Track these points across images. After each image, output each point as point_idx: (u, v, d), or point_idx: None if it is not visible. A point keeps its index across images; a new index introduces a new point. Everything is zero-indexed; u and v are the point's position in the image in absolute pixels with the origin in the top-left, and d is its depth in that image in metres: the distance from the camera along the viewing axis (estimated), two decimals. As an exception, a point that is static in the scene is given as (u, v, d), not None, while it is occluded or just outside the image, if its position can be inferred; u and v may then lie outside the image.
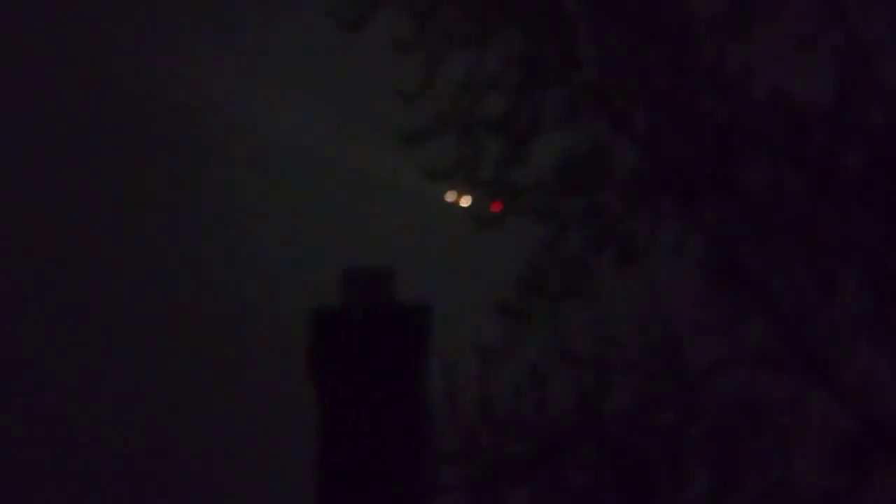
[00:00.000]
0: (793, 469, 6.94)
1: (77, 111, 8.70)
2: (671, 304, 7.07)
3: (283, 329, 7.57)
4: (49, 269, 8.48)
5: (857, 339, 7.03)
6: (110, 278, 8.40)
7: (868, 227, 7.01)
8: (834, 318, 7.08)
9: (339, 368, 3.97)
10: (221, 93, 8.44)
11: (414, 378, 3.96)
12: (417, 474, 3.74)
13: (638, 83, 7.11)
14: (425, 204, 7.36)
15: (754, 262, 7.16)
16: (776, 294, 7.13)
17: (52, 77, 8.61)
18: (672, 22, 7.11)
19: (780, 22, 7.05)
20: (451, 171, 7.08)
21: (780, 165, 7.13)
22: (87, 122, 8.67)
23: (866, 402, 6.99)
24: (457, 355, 6.62)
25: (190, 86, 8.38)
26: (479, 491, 6.98)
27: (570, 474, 7.02)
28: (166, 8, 8.41)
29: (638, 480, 6.96)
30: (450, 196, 7.13)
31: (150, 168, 8.71)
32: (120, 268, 8.51)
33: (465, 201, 7.07)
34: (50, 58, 8.58)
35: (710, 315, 7.13)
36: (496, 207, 7.00)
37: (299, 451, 4.08)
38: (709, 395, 7.08)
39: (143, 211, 8.60)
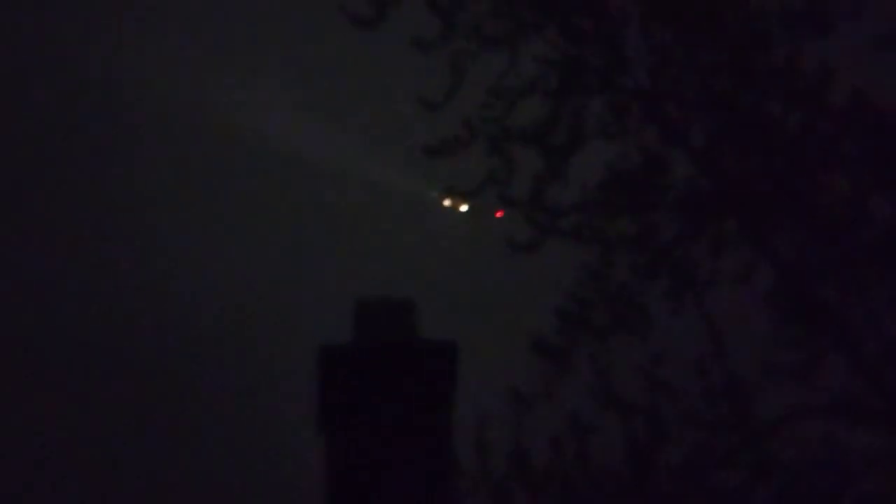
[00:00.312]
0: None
1: (90, 131, 8.98)
2: (736, 343, 7.04)
3: (285, 371, 7.58)
4: (51, 299, 8.72)
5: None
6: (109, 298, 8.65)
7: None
8: (926, 359, 6.99)
9: (351, 415, 3.98)
10: (228, 100, 8.64)
11: (437, 426, 3.95)
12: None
13: (696, 87, 7.16)
14: (450, 224, 7.26)
15: (832, 294, 7.10)
16: (858, 332, 7.04)
17: (55, 90, 8.94)
18: (737, 17, 7.10)
19: (862, 18, 6.99)
20: (479, 189, 7.07)
21: (861, 182, 7.07)
22: (98, 144, 8.91)
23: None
24: (487, 399, 6.61)
25: (193, 93, 8.63)
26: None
27: (617, 540, 6.96)
28: (181, 22, 8.65)
29: (697, 548, 6.89)
30: (446, 201, 7.17)
31: (153, 180, 8.94)
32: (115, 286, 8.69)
33: (464, 206, 7.11)
34: (53, 65, 8.91)
35: (781, 356, 7.08)
36: (499, 214, 7.02)
37: (308, 511, 4.08)
38: (781, 449, 7.07)
39: (145, 227, 8.79)
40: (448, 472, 3.84)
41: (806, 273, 7.11)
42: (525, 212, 7.07)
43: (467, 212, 7.17)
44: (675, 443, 7.12)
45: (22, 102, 8.88)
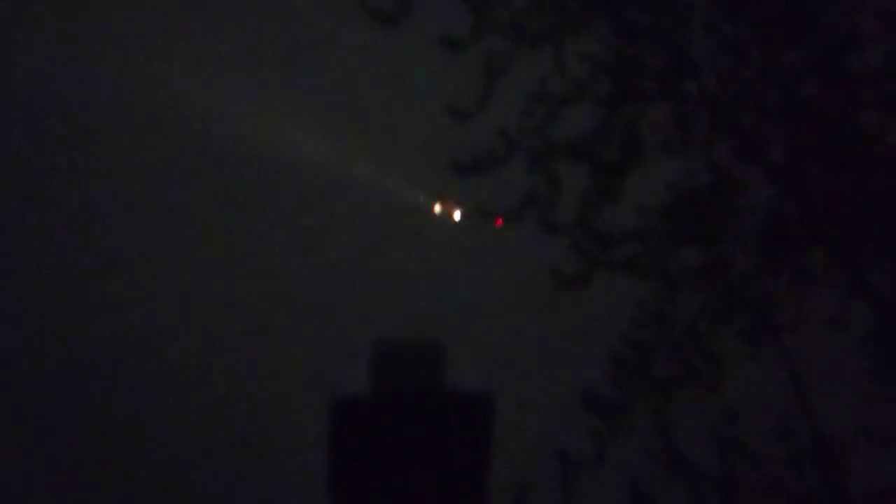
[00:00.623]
0: None
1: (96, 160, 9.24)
2: (825, 399, 6.96)
3: (289, 422, 7.56)
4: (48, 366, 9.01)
5: None
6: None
7: None
8: None
9: (368, 478, 3.96)
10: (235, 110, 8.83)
11: (470, 493, 3.92)
12: None
13: (775, 92, 7.16)
14: (484, 252, 7.47)
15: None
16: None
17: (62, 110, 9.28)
18: (825, 10, 7.03)
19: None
20: (518, 212, 7.06)
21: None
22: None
23: None
24: (529, 461, 6.61)
25: (196, 100, 8.88)
26: None
27: None
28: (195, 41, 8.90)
29: None
30: (438, 208, 7.30)
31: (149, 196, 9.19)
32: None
33: (457, 215, 7.25)
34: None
35: (879, 415, 6.95)
36: (498, 223, 7.11)
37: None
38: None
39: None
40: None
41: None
42: (572, 239, 7.09)
43: (506, 240, 7.15)
44: (752, 515, 7.04)
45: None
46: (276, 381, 8.29)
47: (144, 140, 8.93)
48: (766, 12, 7.12)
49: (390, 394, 3.92)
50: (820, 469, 6.99)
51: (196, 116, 8.67)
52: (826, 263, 7.06)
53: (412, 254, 8.31)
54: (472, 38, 7.03)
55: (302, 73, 8.56)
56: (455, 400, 3.91)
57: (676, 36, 7.08)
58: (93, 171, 9.08)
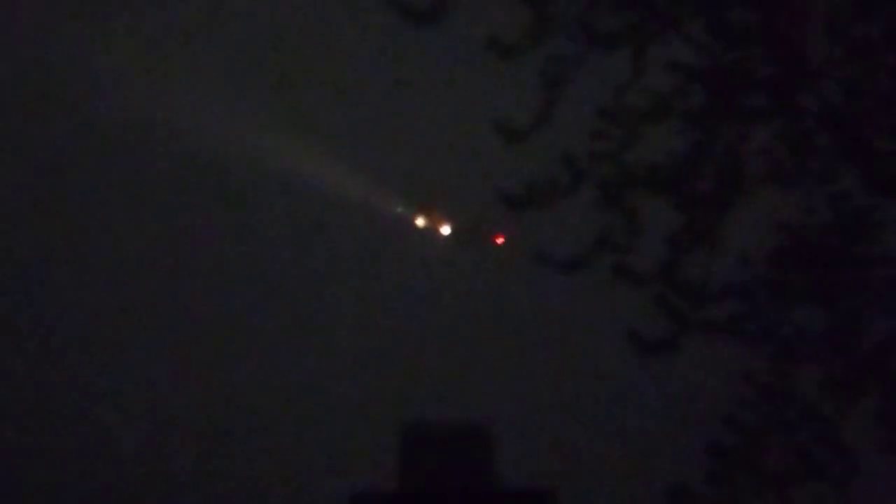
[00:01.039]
0: None
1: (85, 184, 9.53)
2: None
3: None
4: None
5: None
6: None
7: None
8: None
9: None
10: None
11: None
12: None
13: None
14: (546, 307, 6.82)
15: None
16: None
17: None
18: None
19: None
20: (587, 256, 6.74)
21: None
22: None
23: None
24: None
25: (205, 117, 9.12)
26: None
27: None
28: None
29: None
30: (421, 221, 7.34)
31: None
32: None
33: (445, 228, 7.28)
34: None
35: None
36: (499, 240, 7.15)
37: None
38: None
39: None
40: None
41: None
42: (655, 292, 6.76)
43: (572, 293, 6.73)
44: None
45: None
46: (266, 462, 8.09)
47: (161, 162, 9.09)
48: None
49: (425, 490, 3.59)
50: None
51: (211, 131, 8.74)
52: None
53: (457, 304, 8.18)
54: (528, 40, 6.80)
55: (326, 82, 8.47)
56: (509, 499, 3.60)
57: (790, 38, 6.79)
58: (92, 183, 9.30)
